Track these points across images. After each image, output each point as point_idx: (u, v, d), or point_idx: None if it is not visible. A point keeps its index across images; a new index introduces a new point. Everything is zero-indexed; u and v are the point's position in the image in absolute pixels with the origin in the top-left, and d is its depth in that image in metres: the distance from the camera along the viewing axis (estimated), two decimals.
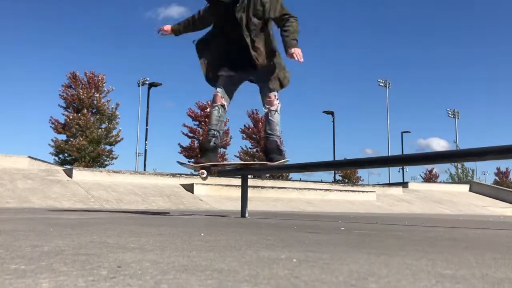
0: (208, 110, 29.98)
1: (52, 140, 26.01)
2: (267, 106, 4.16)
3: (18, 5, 49.98)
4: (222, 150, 29.84)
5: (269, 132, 4.24)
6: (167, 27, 4.37)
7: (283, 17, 3.95)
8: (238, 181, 10.31)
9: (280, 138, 4.33)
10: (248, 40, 3.85)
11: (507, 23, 66.18)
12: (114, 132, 26.76)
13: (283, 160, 4.17)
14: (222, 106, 4.09)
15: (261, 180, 11.88)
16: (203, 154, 4.18)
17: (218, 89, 4.07)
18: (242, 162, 4.15)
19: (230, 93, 4.15)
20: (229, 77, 4.09)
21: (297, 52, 3.94)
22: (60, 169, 10.36)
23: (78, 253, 1.15)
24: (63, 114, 26.21)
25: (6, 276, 0.80)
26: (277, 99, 4.21)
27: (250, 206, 5.48)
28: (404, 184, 15.57)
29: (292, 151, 54.78)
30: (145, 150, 27.56)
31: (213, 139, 4.13)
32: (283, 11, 3.97)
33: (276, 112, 4.19)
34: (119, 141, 26.92)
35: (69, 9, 55.49)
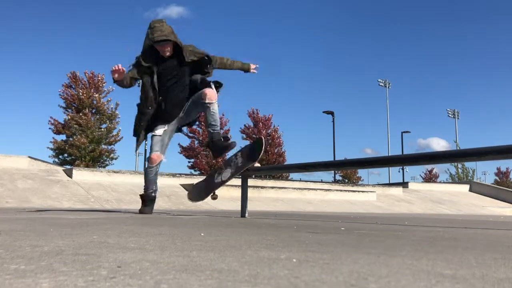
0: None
1: (51, 142, 25.98)
2: (209, 101, 4.28)
3: (18, 5, 49.99)
4: None
5: (214, 123, 4.41)
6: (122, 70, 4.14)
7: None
8: (238, 181, 10.30)
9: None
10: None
11: (508, 23, 66.17)
12: (114, 132, 26.76)
13: (232, 145, 4.44)
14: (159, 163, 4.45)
15: (261, 180, 11.88)
16: (148, 204, 4.50)
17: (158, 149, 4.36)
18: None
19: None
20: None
21: (253, 66, 4.52)
22: (60, 169, 10.36)
23: (78, 253, 1.15)
24: (64, 113, 26.21)
25: (6, 276, 0.80)
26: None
27: (250, 206, 5.48)
28: (404, 184, 15.57)
29: (292, 151, 54.79)
30: (145, 150, 27.52)
31: (155, 192, 4.55)
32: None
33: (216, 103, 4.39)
34: (119, 140, 26.91)
35: (69, 9, 55.49)
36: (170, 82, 4.28)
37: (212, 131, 4.43)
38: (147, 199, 4.50)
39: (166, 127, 4.37)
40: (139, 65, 4.20)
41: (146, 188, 4.50)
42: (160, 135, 4.34)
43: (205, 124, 4.51)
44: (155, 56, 4.18)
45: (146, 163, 4.54)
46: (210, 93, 4.25)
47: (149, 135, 4.44)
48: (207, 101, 4.25)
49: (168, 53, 4.16)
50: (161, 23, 4.11)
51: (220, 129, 4.53)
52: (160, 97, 4.28)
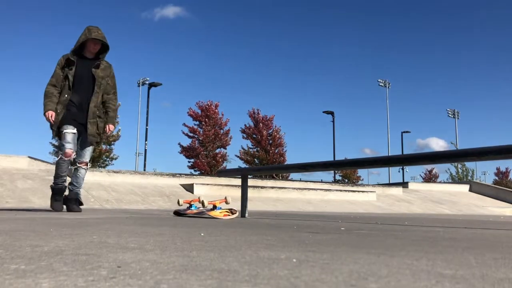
0: (208, 110, 30.11)
1: (54, 138, 25.99)
2: (87, 160, 4.74)
3: (18, 5, 49.98)
4: (222, 150, 29.89)
5: (76, 184, 4.71)
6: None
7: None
8: (238, 181, 10.32)
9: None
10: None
11: (508, 22, 66.18)
12: (114, 132, 26.77)
13: (79, 211, 4.61)
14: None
15: (261, 180, 11.89)
16: (60, 198, 4.62)
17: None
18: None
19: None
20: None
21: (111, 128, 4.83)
22: None
23: (78, 253, 1.15)
24: None
25: (6, 276, 0.80)
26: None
27: (250, 206, 5.48)
28: (404, 184, 15.58)
29: (293, 151, 54.77)
30: (145, 150, 27.55)
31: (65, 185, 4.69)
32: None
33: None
34: (117, 139, 26.90)
35: (69, 9, 55.51)
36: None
37: (71, 189, 4.68)
38: (60, 192, 4.63)
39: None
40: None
41: (59, 177, 4.63)
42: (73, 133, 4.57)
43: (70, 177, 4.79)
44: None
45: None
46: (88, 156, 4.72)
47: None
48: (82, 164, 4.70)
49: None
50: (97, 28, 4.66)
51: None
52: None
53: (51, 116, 4.45)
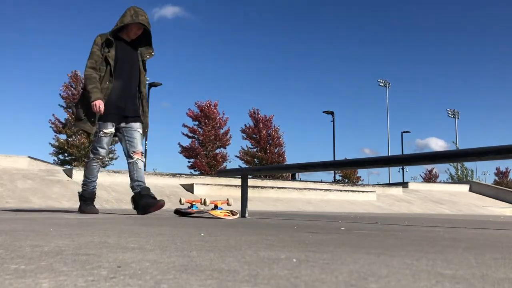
0: (207, 110, 30.06)
1: (53, 139, 25.99)
2: (141, 149, 4.21)
3: (17, 6, 49.99)
4: (222, 150, 29.90)
5: (141, 179, 4.14)
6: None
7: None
8: (238, 181, 10.33)
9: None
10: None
11: (508, 22, 66.21)
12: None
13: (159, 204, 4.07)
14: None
15: (261, 180, 11.89)
16: (92, 202, 4.21)
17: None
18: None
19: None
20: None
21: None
22: (60, 169, 10.37)
23: (78, 253, 1.15)
24: (65, 112, 26.22)
25: (6, 276, 0.80)
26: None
27: (250, 206, 5.48)
28: (404, 184, 15.58)
29: (293, 151, 54.80)
30: (145, 150, 27.55)
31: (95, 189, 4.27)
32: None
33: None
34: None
35: (68, 9, 55.52)
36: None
37: (139, 185, 4.12)
38: (90, 197, 4.22)
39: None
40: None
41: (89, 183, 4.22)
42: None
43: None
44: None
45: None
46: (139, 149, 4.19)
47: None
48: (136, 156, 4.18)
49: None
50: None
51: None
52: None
53: (100, 107, 3.92)
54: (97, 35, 4.11)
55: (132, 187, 4.11)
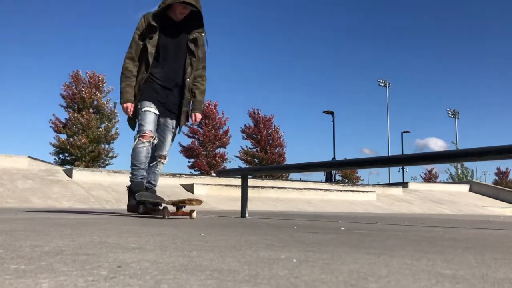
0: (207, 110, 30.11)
1: (54, 138, 26.01)
2: (166, 152, 3.89)
3: (17, 6, 49.99)
4: (222, 150, 29.90)
5: (153, 182, 3.86)
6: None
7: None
8: (238, 181, 10.33)
9: None
10: None
11: (508, 22, 66.18)
12: (113, 131, 26.78)
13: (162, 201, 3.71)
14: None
15: (261, 180, 11.88)
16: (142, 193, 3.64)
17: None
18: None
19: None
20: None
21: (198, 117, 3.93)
22: (60, 169, 10.36)
23: (78, 253, 1.15)
24: (66, 112, 26.24)
25: (6, 276, 0.80)
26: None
27: (250, 206, 5.48)
28: (404, 184, 15.58)
29: (293, 151, 54.80)
30: None
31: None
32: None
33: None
34: (116, 138, 26.91)
35: (69, 7, 55.52)
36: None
37: (148, 186, 3.79)
38: (138, 189, 3.64)
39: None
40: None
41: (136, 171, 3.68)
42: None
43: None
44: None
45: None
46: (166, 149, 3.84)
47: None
48: (164, 153, 3.84)
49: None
50: None
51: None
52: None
53: (129, 110, 3.62)
54: (141, 16, 3.71)
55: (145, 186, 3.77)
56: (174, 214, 3.60)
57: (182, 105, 3.80)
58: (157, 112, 3.67)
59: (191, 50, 3.76)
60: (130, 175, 3.70)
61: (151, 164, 3.79)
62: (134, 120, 3.74)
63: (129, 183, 3.74)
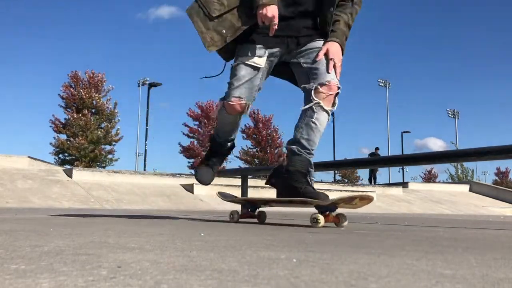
0: (213, 112, 30.01)
1: (54, 138, 26.05)
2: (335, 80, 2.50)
3: (17, 6, 49.97)
4: None
5: (305, 142, 2.54)
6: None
7: None
8: (238, 181, 10.33)
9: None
10: None
11: (507, 22, 66.17)
12: (113, 132, 26.78)
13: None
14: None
15: (261, 180, 11.89)
16: (215, 162, 2.89)
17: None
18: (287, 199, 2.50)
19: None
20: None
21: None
22: (60, 169, 10.36)
23: (78, 253, 1.15)
24: (65, 113, 26.26)
25: (6, 276, 0.80)
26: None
27: None
28: (404, 184, 15.59)
29: None
30: (145, 150, 27.58)
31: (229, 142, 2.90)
32: None
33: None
34: (118, 140, 26.89)
35: (68, 9, 55.49)
36: None
37: (295, 152, 2.53)
38: (216, 149, 2.86)
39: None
40: None
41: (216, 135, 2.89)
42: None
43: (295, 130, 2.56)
44: None
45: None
46: (332, 86, 2.45)
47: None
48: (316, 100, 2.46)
49: None
50: None
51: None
52: None
53: (273, 17, 2.38)
54: None
55: (287, 149, 2.59)
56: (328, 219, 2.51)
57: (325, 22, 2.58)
58: (260, 63, 2.56)
59: None
60: (213, 135, 2.90)
61: (305, 107, 2.52)
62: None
63: (211, 140, 2.87)
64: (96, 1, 56.88)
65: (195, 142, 29.71)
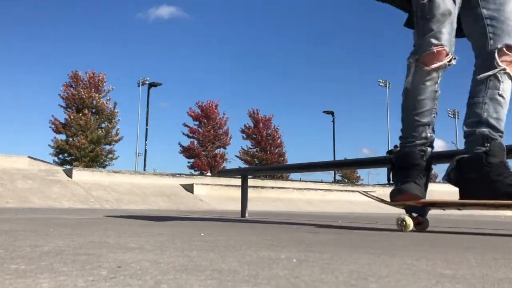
0: (208, 110, 30.03)
1: (52, 140, 26.05)
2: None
3: (17, 6, 50.01)
4: (222, 150, 29.90)
5: (493, 121, 1.98)
6: None
7: None
8: (238, 181, 10.34)
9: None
10: None
11: None
12: (113, 132, 26.78)
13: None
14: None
15: (261, 180, 11.88)
16: (409, 173, 2.14)
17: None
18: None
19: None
20: None
21: None
22: (60, 169, 10.36)
23: (78, 253, 1.15)
24: (65, 113, 26.28)
25: (6, 276, 0.80)
26: None
27: (250, 206, 5.48)
28: None
29: (293, 151, 54.77)
30: (145, 150, 27.60)
31: (426, 148, 2.19)
32: None
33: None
34: (118, 140, 26.90)
35: (68, 9, 55.53)
36: None
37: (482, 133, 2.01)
38: (405, 164, 2.16)
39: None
40: None
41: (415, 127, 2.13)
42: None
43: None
44: None
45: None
46: None
47: None
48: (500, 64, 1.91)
49: None
50: None
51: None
52: None
53: None
54: None
55: (473, 134, 2.04)
56: None
57: None
58: (450, 9, 2.04)
59: None
60: (400, 137, 2.22)
61: (480, 76, 2.02)
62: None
63: (397, 149, 2.16)
64: (96, 1, 56.90)
65: (195, 142, 29.72)
